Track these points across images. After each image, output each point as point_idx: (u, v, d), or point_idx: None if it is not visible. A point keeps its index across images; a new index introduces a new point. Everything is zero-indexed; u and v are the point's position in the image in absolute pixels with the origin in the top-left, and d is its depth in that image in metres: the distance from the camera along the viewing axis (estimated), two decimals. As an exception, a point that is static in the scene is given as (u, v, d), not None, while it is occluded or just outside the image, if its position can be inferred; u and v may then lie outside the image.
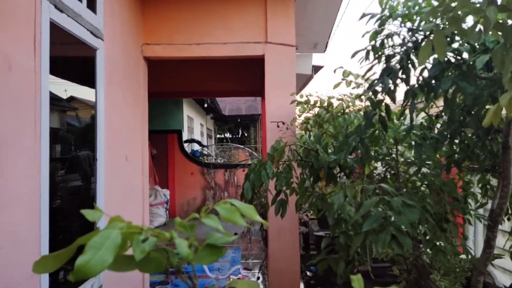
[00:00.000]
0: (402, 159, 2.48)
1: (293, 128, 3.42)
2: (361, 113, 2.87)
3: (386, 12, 2.04)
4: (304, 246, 5.12)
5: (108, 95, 2.68)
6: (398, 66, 1.99)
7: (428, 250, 2.29)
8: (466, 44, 1.96)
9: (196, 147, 12.14)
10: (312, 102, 3.41)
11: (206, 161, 10.42)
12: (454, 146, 2.36)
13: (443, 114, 2.39)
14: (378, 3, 2.11)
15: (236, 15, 3.75)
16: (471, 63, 1.85)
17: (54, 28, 2.01)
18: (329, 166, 2.28)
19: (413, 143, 2.27)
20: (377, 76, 2.13)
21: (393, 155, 2.40)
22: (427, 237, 2.04)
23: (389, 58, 2.05)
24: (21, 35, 1.76)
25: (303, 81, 7.49)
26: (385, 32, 2.09)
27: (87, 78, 2.57)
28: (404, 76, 1.96)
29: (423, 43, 1.53)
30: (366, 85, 2.75)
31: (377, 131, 2.26)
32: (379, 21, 2.06)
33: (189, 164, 9.24)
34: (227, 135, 25.47)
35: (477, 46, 1.88)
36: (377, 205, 1.63)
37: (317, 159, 2.26)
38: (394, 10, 2.07)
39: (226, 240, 0.76)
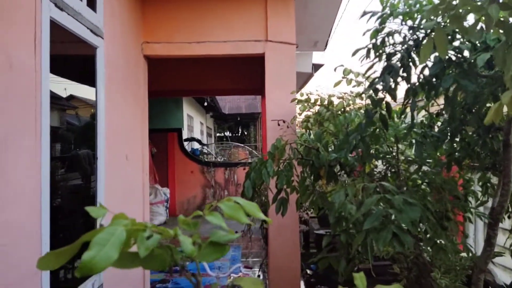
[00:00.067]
0: (403, 157, 2.48)
1: (293, 126, 3.42)
2: (362, 111, 2.87)
3: (387, 10, 2.03)
4: (304, 245, 5.13)
5: (108, 94, 2.68)
6: (399, 64, 1.99)
7: (428, 248, 2.30)
8: (467, 42, 1.96)
9: (196, 145, 12.14)
10: (312, 101, 3.41)
11: (206, 160, 10.42)
12: (455, 144, 2.36)
13: (443, 112, 2.39)
14: (379, 1, 2.11)
15: (236, 13, 3.74)
16: (472, 61, 1.85)
17: (54, 26, 2.01)
18: (330, 165, 2.28)
19: (413, 141, 2.28)
20: (377, 74, 2.13)
21: (394, 153, 2.40)
22: (428, 235, 2.04)
23: (390, 56, 2.05)
24: (22, 33, 1.75)
25: (303, 79, 7.49)
26: (386, 30, 2.09)
27: (87, 76, 2.57)
28: (405, 74, 1.96)
29: (425, 41, 1.53)
30: (367, 83, 2.75)
31: (377, 129, 2.26)
32: (380, 19, 2.06)
33: (189, 163, 9.25)
34: (227, 133, 25.46)
35: (478, 44, 1.88)
36: (378, 203, 1.63)
37: (318, 158, 2.26)
38: (395, 8, 2.07)
39: (230, 237, 0.76)
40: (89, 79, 2.55)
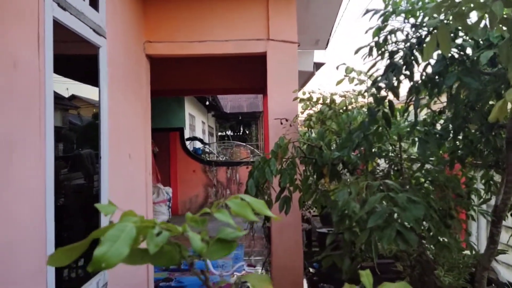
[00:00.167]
0: (405, 156, 2.48)
1: (296, 125, 3.42)
2: (364, 109, 2.88)
3: (390, 8, 2.03)
4: (307, 243, 5.14)
5: (111, 93, 2.68)
6: (401, 62, 1.99)
7: (431, 246, 2.30)
8: (469, 40, 1.96)
9: (198, 145, 12.15)
10: (314, 99, 3.41)
11: (208, 159, 10.42)
12: (457, 142, 2.36)
13: (446, 110, 2.39)
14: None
15: (238, 12, 3.75)
16: (475, 58, 1.85)
17: (57, 26, 2.02)
18: (333, 163, 2.29)
19: (416, 139, 2.28)
20: (380, 72, 2.14)
21: (397, 152, 2.40)
22: (431, 233, 2.04)
23: (392, 54, 2.05)
24: (25, 33, 1.76)
25: (304, 78, 7.49)
26: (388, 28, 2.09)
27: (90, 76, 2.57)
28: (408, 72, 1.97)
29: (428, 39, 1.54)
30: (369, 81, 2.75)
31: (380, 128, 2.26)
32: (382, 17, 2.06)
33: (191, 162, 9.26)
34: (229, 132, 25.48)
35: (481, 42, 1.88)
36: (382, 202, 1.64)
37: (321, 156, 2.27)
38: (397, 6, 2.07)
39: (237, 235, 0.77)
40: (92, 78, 2.56)
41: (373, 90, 2.13)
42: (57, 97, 2.13)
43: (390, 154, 2.46)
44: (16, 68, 1.66)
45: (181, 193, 9.14)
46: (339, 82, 2.91)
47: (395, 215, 1.61)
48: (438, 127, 2.39)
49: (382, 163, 2.70)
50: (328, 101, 3.25)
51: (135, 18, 3.38)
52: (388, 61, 2.05)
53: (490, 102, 2.07)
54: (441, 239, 2.12)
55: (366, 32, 2.13)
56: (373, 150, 2.31)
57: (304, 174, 2.48)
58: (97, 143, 2.55)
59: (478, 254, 2.42)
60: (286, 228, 3.55)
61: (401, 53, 2.04)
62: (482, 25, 1.39)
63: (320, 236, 4.77)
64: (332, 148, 2.56)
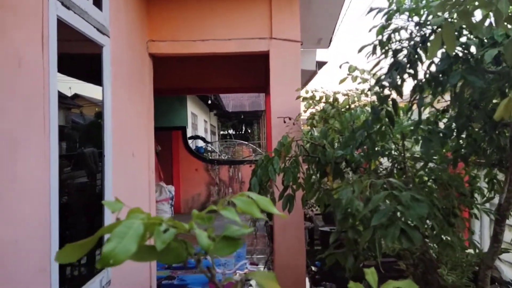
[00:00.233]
0: (409, 154, 2.48)
1: (299, 123, 3.42)
2: (367, 108, 2.87)
3: (394, 6, 2.03)
4: (309, 242, 5.14)
5: (115, 92, 2.69)
6: (405, 60, 1.99)
7: (434, 244, 2.30)
8: (473, 38, 1.95)
9: (200, 143, 12.16)
10: (317, 98, 3.41)
11: (210, 158, 10.44)
12: (461, 140, 2.36)
13: (449, 108, 2.39)
14: (385, -2, 2.11)
15: (241, 11, 3.74)
16: (479, 57, 1.84)
17: (61, 25, 2.02)
18: (336, 162, 2.29)
19: (419, 137, 2.28)
20: (384, 71, 2.13)
21: (400, 150, 2.40)
22: (435, 232, 2.04)
23: (396, 52, 2.04)
24: (30, 32, 1.77)
25: (306, 77, 7.48)
26: (392, 26, 2.09)
27: (94, 75, 2.58)
28: (411, 71, 1.96)
29: (433, 37, 1.53)
30: (372, 80, 2.75)
31: (383, 126, 2.26)
32: (386, 16, 2.06)
33: (193, 161, 9.27)
34: (231, 131, 25.49)
35: (485, 40, 1.88)
36: (385, 200, 1.64)
37: (324, 155, 2.27)
38: (401, 4, 2.07)
39: (243, 232, 0.77)
40: (96, 77, 2.56)
41: (377, 88, 2.13)
42: (60, 96, 2.14)
43: (393, 153, 2.45)
44: (21, 67, 1.67)
45: (184, 192, 9.16)
46: (342, 81, 2.91)
47: (399, 213, 1.61)
48: (441, 125, 2.38)
49: (385, 162, 2.70)
50: (331, 99, 3.25)
51: (138, 17, 3.38)
52: (392, 59, 2.04)
53: (494, 101, 2.07)
54: (444, 238, 2.12)
55: (370, 30, 2.12)
56: (376, 148, 2.31)
57: (307, 172, 2.49)
58: (100, 142, 2.56)
59: (482, 252, 2.41)
60: (288, 226, 3.55)
61: (404, 52, 2.03)
62: (487, 23, 1.39)
63: (322, 234, 4.77)
64: (335, 146, 2.56)
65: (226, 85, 6.79)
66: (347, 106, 3.17)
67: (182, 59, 5.25)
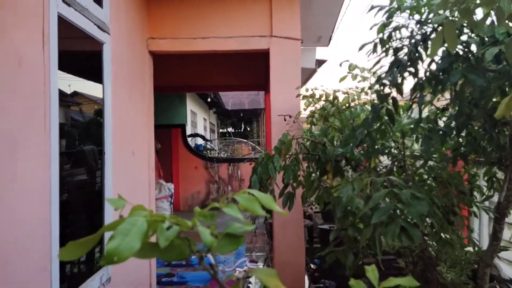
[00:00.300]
0: (409, 152, 2.48)
1: (299, 121, 3.42)
2: (367, 106, 2.87)
3: (394, 4, 2.03)
4: (308, 240, 5.14)
5: (115, 90, 2.69)
6: (406, 58, 1.99)
7: (433, 242, 2.31)
8: (474, 36, 1.95)
9: (200, 141, 12.16)
10: (317, 96, 3.41)
11: (209, 156, 10.44)
12: (461, 139, 2.36)
13: (449, 107, 2.39)
14: (386, -4, 2.10)
15: (241, 9, 3.74)
16: (480, 55, 1.84)
17: (62, 22, 2.02)
18: (336, 159, 2.29)
19: (419, 136, 2.28)
20: (384, 69, 2.13)
21: (400, 148, 2.41)
22: (434, 230, 2.05)
23: (397, 51, 2.04)
24: (30, 29, 1.76)
25: (306, 75, 7.48)
26: (393, 24, 2.09)
27: (94, 72, 2.57)
28: (412, 69, 1.96)
29: (434, 35, 1.53)
30: (372, 78, 2.75)
31: (383, 125, 2.26)
32: (387, 14, 2.05)
33: (193, 158, 9.27)
34: (230, 129, 25.49)
35: (486, 39, 1.88)
36: (385, 198, 1.64)
37: (325, 152, 2.27)
38: (402, 2, 2.06)
39: (246, 229, 0.77)
40: (96, 75, 2.56)
41: (377, 86, 2.13)
42: (60, 94, 2.14)
43: (393, 151, 2.46)
44: (21, 65, 1.67)
45: (183, 190, 9.16)
46: (342, 79, 2.90)
47: (398, 211, 1.61)
48: (441, 124, 2.39)
49: (385, 160, 2.70)
50: (331, 98, 3.25)
51: (138, 14, 3.37)
52: (393, 57, 2.04)
53: (494, 99, 2.07)
54: (443, 236, 2.12)
55: (371, 28, 2.12)
56: (376, 147, 2.32)
57: (307, 170, 2.49)
58: (99, 140, 2.56)
59: (481, 250, 2.42)
60: (288, 224, 3.56)
61: (405, 50, 2.03)
62: (488, 22, 1.39)
63: (321, 232, 4.78)
64: (335, 144, 2.56)
65: (226, 83, 6.79)
66: (347, 104, 3.17)
67: (182, 56, 5.24)
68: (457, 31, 1.89)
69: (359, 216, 1.69)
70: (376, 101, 2.19)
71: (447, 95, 2.26)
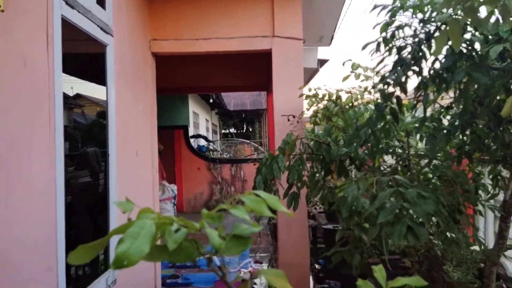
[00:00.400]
0: (413, 152, 2.47)
1: (302, 121, 3.42)
2: (370, 105, 2.87)
3: (397, 3, 2.02)
4: (312, 240, 5.14)
5: (119, 91, 2.69)
6: (409, 57, 1.98)
7: (439, 241, 2.30)
8: (478, 34, 1.94)
9: (202, 142, 12.17)
10: (320, 96, 3.41)
11: (212, 156, 10.44)
12: (465, 137, 2.35)
13: (453, 105, 2.38)
14: (389, -5, 2.10)
15: (243, 9, 3.74)
16: (484, 53, 1.84)
17: (65, 24, 2.02)
18: (341, 159, 2.29)
19: (424, 134, 2.27)
20: (387, 68, 2.13)
21: (404, 147, 2.40)
22: (440, 229, 2.04)
23: (400, 49, 2.04)
24: (35, 31, 1.77)
25: (308, 74, 7.47)
26: (396, 23, 2.08)
27: (97, 74, 2.58)
28: (416, 68, 1.96)
29: (438, 34, 1.53)
30: (375, 77, 2.74)
31: (388, 124, 2.25)
32: (390, 13, 2.05)
33: (195, 160, 9.27)
34: (232, 130, 25.50)
35: (490, 37, 1.87)
36: (391, 197, 1.64)
37: (329, 152, 2.26)
38: (405, 1, 2.06)
39: (253, 230, 0.77)
40: (99, 77, 2.56)
41: (381, 85, 2.12)
42: (66, 96, 2.14)
43: (397, 150, 2.45)
44: (26, 67, 1.67)
45: (186, 191, 9.16)
46: (345, 78, 2.90)
47: (404, 210, 1.60)
48: (445, 122, 2.38)
49: (389, 159, 2.70)
50: (334, 97, 3.25)
51: (140, 16, 3.38)
52: (396, 56, 2.04)
53: (498, 97, 2.06)
54: (449, 235, 2.11)
55: (374, 27, 2.12)
56: (381, 146, 2.31)
57: (311, 170, 2.49)
58: (102, 141, 2.56)
59: (487, 249, 2.41)
60: (293, 224, 3.55)
61: (409, 49, 2.03)
62: (493, 19, 1.38)
63: (325, 232, 4.77)
64: (338, 144, 2.55)
65: (228, 83, 6.79)
66: (350, 104, 3.17)
67: (185, 57, 5.25)
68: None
69: (364, 215, 1.69)
70: (380, 100, 2.18)
71: (450, 93, 2.25)
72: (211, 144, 13.21)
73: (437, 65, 1.99)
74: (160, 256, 0.66)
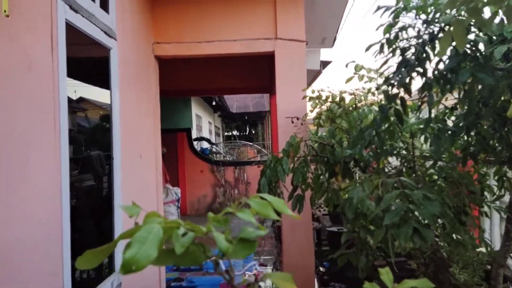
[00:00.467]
0: (418, 153, 2.46)
1: (306, 123, 3.42)
2: (374, 107, 2.86)
3: (401, 4, 2.02)
4: (317, 242, 5.12)
5: (122, 95, 2.70)
6: (413, 58, 1.98)
7: (445, 243, 2.28)
8: (481, 35, 1.93)
9: (205, 145, 12.18)
10: (323, 97, 3.40)
11: (215, 159, 10.44)
12: (470, 138, 2.34)
13: (457, 106, 2.37)
14: (392, -4, 2.10)
15: (245, 11, 3.75)
16: (488, 54, 1.83)
17: (69, 28, 2.03)
18: (345, 161, 2.28)
19: (428, 135, 2.26)
20: (391, 69, 2.12)
21: (409, 149, 2.39)
22: (446, 231, 2.03)
23: (404, 50, 2.03)
24: (39, 35, 1.78)
25: (311, 76, 7.47)
26: (400, 24, 2.08)
27: (101, 78, 2.59)
28: (420, 69, 1.95)
29: (443, 35, 1.52)
30: (379, 79, 2.74)
31: (392, 125, 2.25)
32: (393, 14, 2.05)
33: (199, 162, 9.28)
34: (235, 132, 25.51)
35: (494, 37, 1.86)
36: (396, 199, 1.63)
37: (333, 154, 2.26)
38: (408, 2, 2.06)
39: (259, 234, 0.77)
40: (103, 80, 2.57)
41: (385, 87, 2.12)
42: (71, 100, 2.15)
43: (402, 152, 2.44)
44: (31, 71, 1.68)
45: (189, 194, 9.17)
46: (348, 80, 2.89)
47: (410, 212, 1.60)
48: (449, 123, 2.37)
49: (393, 161, 2.69)
50: (337, 99, 3.24)
51: (143, 19, 3.39)
52: (400, 57, 2.03)
53: (503, 98, 2.05)
54: (455, 236, 2.10)
55: (377, 29, 2.12)
56: (385, 147, 2.30)
57: (315, 172, 2.48)
58: (106, 145, 2.57)
59: (493, 251, 2.40)
60: (297, 226, 3.54)
61: (412, 50, 2.02)
62: (497, 20, 1.37)
63: (330, 235, 4.75)
64: (342, 146, 2.55)
65: (231, 86, 6.80)
66: (354, 105, 3.16)
67: (188, 60, 5.26)
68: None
69: (370, 217, 1.68)
70: (384, 102, 2.18)
71: (455, 94, 2.25)
72: (214, 146, 13.21)
73: (441, 66, 1.98)
74: (167, 260, 0.66)
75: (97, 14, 2.35)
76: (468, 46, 1.93)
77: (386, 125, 2.22)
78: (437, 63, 1.99)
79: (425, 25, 2.03)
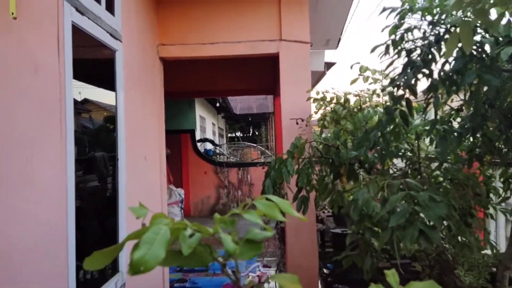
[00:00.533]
0: (423, 155, 2.45)
1: (310, 125, 3.41)
2: (379, 108, 2.85)
3: (406, 6, 2.02)
4: (321, 244, 5.11)
5: (127, 96, 2.71)
6: (419, 60, 1.97)
7: (451, 245, 2.27)
8: (487, 36, 1.93)
9: (209, 146, 12.19)
10: (328, 99, 3.39)
11: (219, 160, 10.45)
12: (476, 140, 2.33)
13: (463, 108, 2.36)
14: (398, -3, 2.09)
15: (250, 13, 3.75)
16: (495, 55, 1.82)
17: (76, 30, 2.04)
18: (350, 162, 2.27)
19: (433, 137, 2.25)
20: (397, 71, 2.12)
21: (414, 150, 2.38)
22: (451, 232, 2.02)
23: (410, 52, 2.03)
24: (46, 38, 1.79)
25: (315, 78, 7.46)
26: (405, 26, 2.07)
27: (107, 80, 2.60)
28: (426, 71, 1.95)
29: (449, 36, 1.52)
30: (384, 80, 2.73)
31: (397, 127, 2.24)
32: (399, 15, 2.04)
33: (202, 163, 9.29)
34: (238, 134, 25.53)
35: (500, 39, 1.85)
36: (402, 201, 1.62)
37: (338, 156, 2.25)
38: (414, 3, 2.05)
39: (266, 235, 0.77)
40: (108, 82, 2.58)
41: (390, 88, 2.11)
42: (76, 101, 2.16)
43: (407, 153, 2.43)
44: (38, 72, 1.69)
45: (193, 195, 9.18)
46: (353, 81, 2.89)
47: (416, 214, 1.59)
48: (455, 125, 2.36)
49: (398, 163, 2.68)
50: (342, 100, 3.23)
51: (148, 21, 3.40)
52: (406, 59, 2.03)
53: (509, 99, 2.04)
54: (460, 238, 2.09)
55: (383, 30, 2.11)
56: (390, 149, 2.30)
57: (320, 174, 2.48)
58: (110, 146, 2.58)
59: (499, 253, 2.38)
60: (301, 228, 3.54)
61: (418, 51, 2.02)
62: (504, 21, 1.37)
63: (334, 236, 4.74)
64: (347, 147, 2.54)
65: (235, 87, 6.81)
66: (359, 107, 3.15)
67: (192, 62, 5.28)
68: (471, 31, 1.86)
69: (376, 219, 1.68)
70: (389, 103, 2.17)
71: (460, 95, 2.24)
72: (218, 148, 13.23)
73: (447, 67, 1.98)
74: (174, 261, 0.66)
75: (103, 16, 2.36)
76: (474, 47, 1.92)
77: (392, 127, 2.21)
78: (443, 65, 1.98)
79: (431, 27, 2.03)
